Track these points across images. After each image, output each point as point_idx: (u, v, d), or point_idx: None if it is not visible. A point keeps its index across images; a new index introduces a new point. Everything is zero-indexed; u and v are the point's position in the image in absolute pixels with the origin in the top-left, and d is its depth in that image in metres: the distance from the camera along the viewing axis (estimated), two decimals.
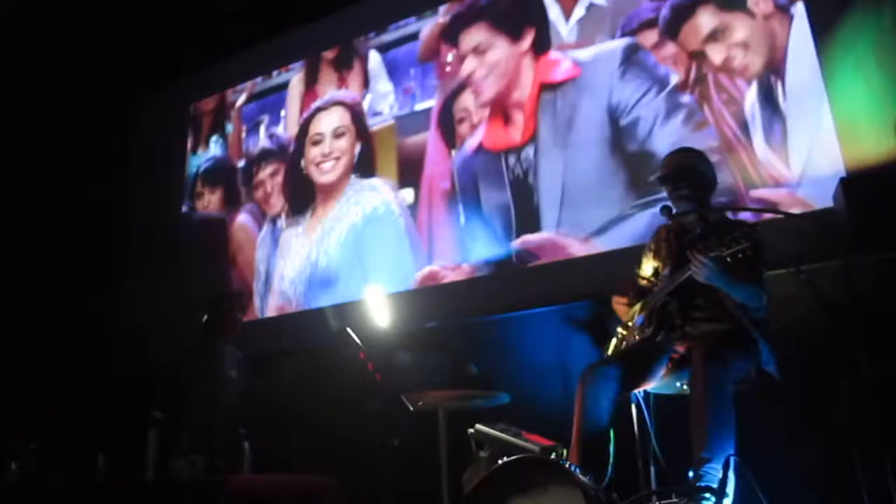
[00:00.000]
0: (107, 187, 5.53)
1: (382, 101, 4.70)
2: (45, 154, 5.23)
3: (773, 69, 3.41)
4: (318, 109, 4.95)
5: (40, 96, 5.25)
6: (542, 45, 4.13)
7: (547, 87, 4.01)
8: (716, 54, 3.57)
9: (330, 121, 4.87)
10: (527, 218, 3.91)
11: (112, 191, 5.57)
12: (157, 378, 3.85)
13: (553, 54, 4.07)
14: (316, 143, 4.87)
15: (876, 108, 3.06)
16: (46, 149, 5.24)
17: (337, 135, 4.81)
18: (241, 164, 5.25)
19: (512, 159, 4.03)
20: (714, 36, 3.60)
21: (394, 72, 4.71)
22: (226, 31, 5.30)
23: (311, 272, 4.62)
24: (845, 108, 3.17)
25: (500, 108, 4.18)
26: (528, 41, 4.18)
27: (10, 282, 4.83)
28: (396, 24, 4.78)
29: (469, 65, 4.35)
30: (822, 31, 3.31)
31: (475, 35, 4.38)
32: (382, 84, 4.73)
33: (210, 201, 5.33)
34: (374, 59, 4.84)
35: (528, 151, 3.98)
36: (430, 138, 4.41)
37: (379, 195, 4.49)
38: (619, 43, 3.83)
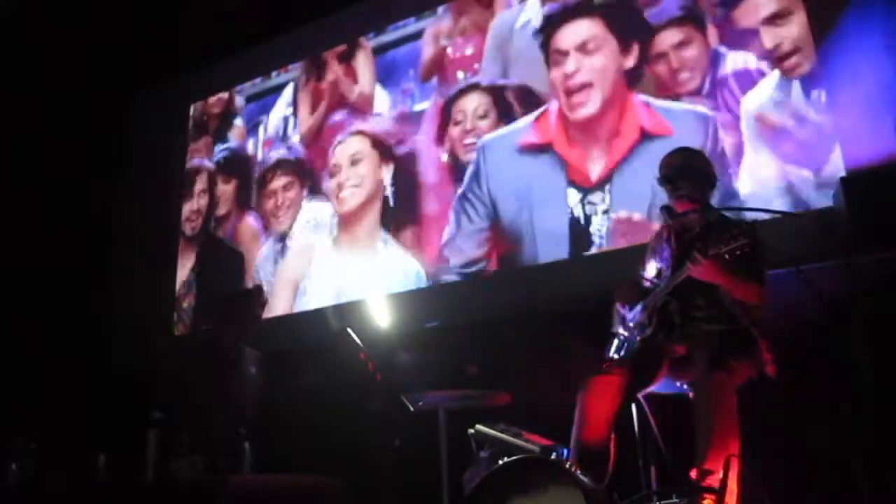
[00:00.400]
0: (107, 187, 5.53)
1: (381, 101, 4.69)
2: (45, 154, 5.23)
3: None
4: (339, 142, 4.76)
5: (40, 96, 5.25)
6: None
7: (646, 135, 3.65)
8: (768, 38, 3.45)
9: (345, 149, 4.72)
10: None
11: (112, 191, 5.57)
12: (157, 378, 3.85)
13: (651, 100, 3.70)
14: (333, 174, 4.72)
15: (876, 109, 3.06)
16: (46, 149, 5.24)
17: (354, 161, 4.64)
18: (254, 159, 5.20)
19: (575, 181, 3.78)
20: (771, 19, 3.47)
21: (393, 72, 4.70)
22: (226, 31, 5.29)
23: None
24: (845, 107, 3.18)
25: (578, 127, 3.84)
26: (632, 58, 3.78)
27: (11, 282, 4.83)
28: (396, 25, 4.77)
29: (570, 64, 3.93)
30: (821, 29, 3.31)
31: (583, 28, 3.95)
32: (381, 84, 4.73)
33: (224, 191, 5.31)
34: (373, 59, 4.82)
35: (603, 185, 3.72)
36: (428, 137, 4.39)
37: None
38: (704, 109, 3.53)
